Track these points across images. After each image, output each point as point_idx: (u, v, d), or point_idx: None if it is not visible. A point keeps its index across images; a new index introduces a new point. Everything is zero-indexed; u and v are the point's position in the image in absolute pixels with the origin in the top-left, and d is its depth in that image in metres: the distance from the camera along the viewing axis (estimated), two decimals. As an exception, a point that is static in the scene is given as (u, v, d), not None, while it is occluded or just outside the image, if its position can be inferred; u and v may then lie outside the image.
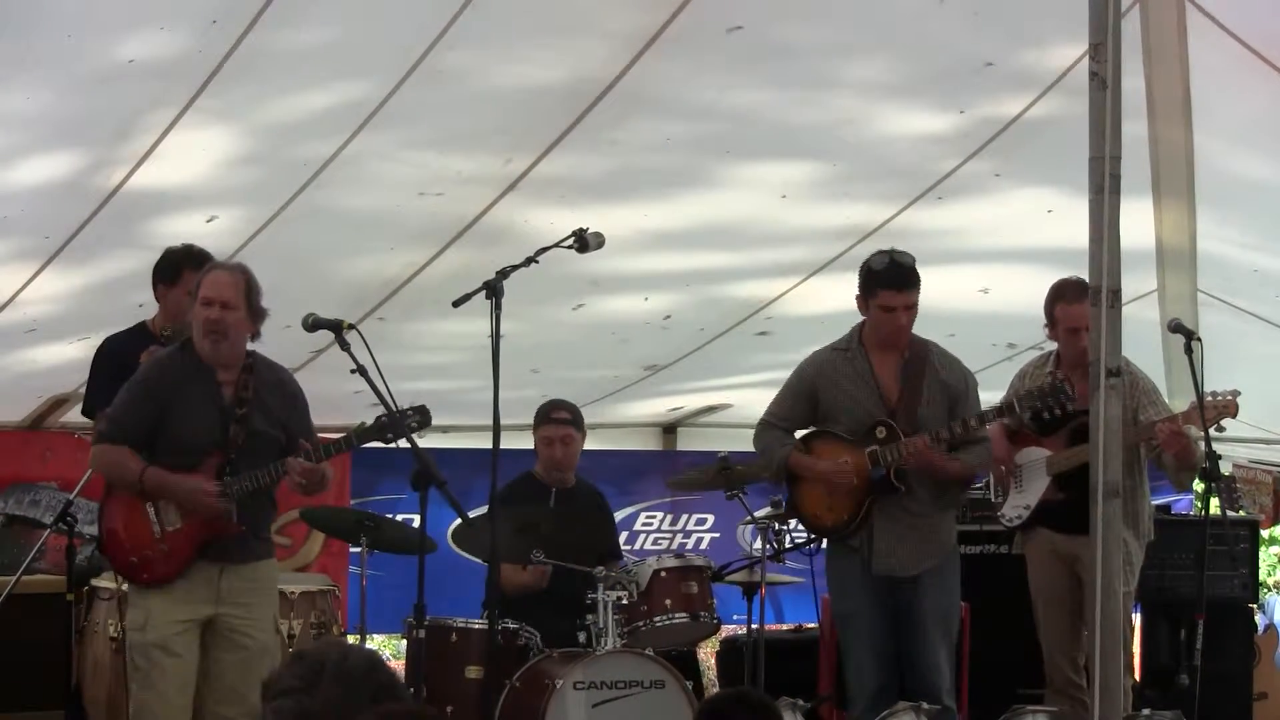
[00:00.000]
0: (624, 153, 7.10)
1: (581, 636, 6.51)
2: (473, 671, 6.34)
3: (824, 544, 6.79)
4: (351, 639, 7.23)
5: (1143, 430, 6.53)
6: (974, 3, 6.47)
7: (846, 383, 6.41)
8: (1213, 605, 6.77)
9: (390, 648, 11.23)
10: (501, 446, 5.49)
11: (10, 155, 6.35)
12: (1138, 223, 7.25)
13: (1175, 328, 6.52)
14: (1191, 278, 8.16)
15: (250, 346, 5.76)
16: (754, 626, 7.01)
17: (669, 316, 8.48)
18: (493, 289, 5.51)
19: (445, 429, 8.69)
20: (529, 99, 6.62)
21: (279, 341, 6.01)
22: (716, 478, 7.20)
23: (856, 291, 6.40)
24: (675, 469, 8.88)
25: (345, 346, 5.50)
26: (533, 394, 7.65)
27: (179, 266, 6.26)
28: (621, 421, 9.74)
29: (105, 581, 6.54)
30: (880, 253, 6.40)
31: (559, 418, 7.28)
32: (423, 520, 5.61)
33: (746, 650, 7.10)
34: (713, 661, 9.47)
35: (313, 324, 5.66)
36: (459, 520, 5.85)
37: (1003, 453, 6.80)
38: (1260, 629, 8.51)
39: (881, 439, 6.30)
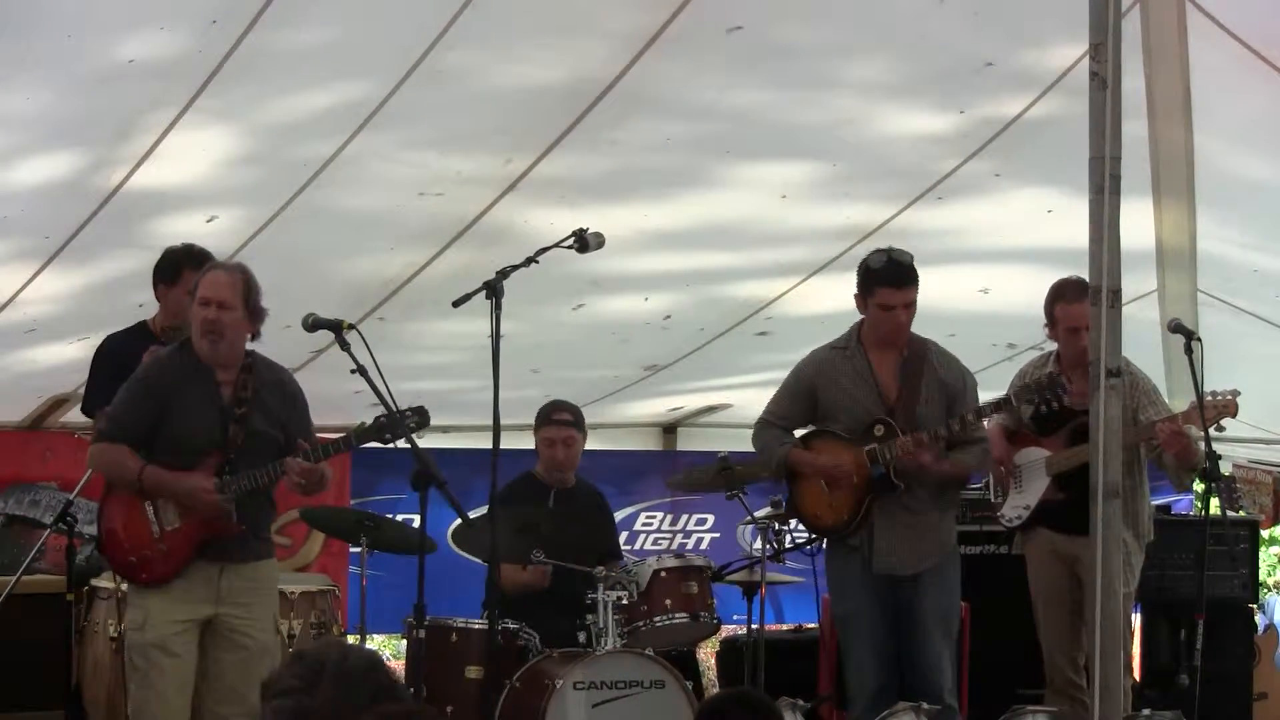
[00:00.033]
0: (624, 153, 7.10)
1: (581, 636, 6.51)
2: (473, 671, 6.34)
3: (824, 544, 6.79)
4: (351, 639, 7.23)
5: (1143, 430, 6.53)
6: (974, 3, 6.47)
7: (846, 381, 6.41)
8: (1213, 605, 6.76)
9: (390, 648, 11.23)
10: (502, 446, 5.48)
11: (10, 155, 6.35)
12: (1138, 223, 7.25)
13: (1175, 328, 6.52)
14: (1191, 278, 8.16)
15: (250, 346, 5.76)
16: (754, 626, 7.01)
17: (669, 316, 8.48)
18: (493, 289, 5.51)
19: (445, 429, 8.70)
20: (529, 99, 6.62)
21: (279, 341, 6.01)
22: (716, 478, 7.21)
23: (855, 290, 6.40)
24: (675, 469, 8.88)
25: (345, 346, 5.50)
26: (533, 394, 7.65)
27: (179, 266, 6.26)
28: (621, 421, 9.74)
29: (105, 581, 6.53)
30: (878, 251, 6.40)
31: (561, 419, 7.27)
32: (423, 520, 5.61)
33: (746, 650, 7.10)
34: (713, 661, 9.48)
35: (313, 324, 5.66)
36: (459, 520, 5.85)
37: (1002, 453, 6.80)
38: (1260, 629, 8.51)
39: (879, 437, 6.30)
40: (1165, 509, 8.59)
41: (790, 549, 7.44)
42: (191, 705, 5.66)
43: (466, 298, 5.58)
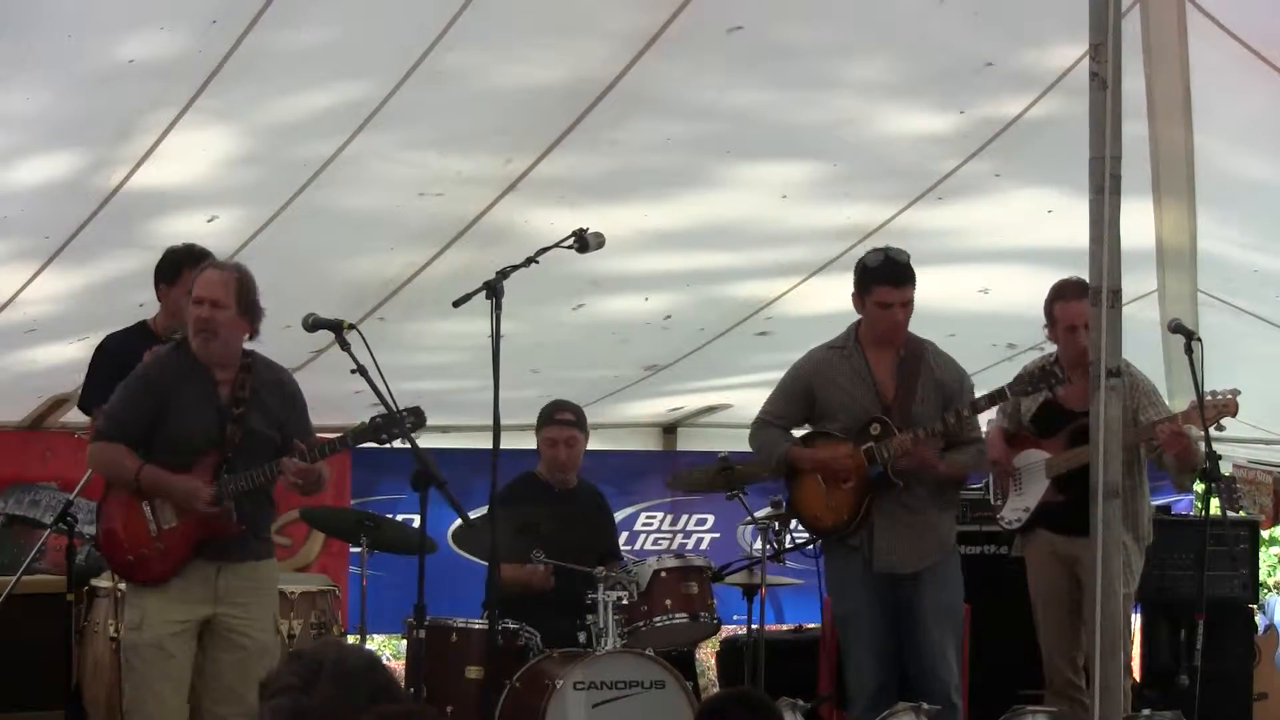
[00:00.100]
0: (624, 153, 7.10)
1: (581, 636, 6.51)
2: (473, 671, 6.34)
3: (820, 544, 6.77)
4: (351, 639, 7.23)
5: (1143, 431, 6.52)
6: (974, 3, 6.46)
7: (844, 381, 6.41)
8: (1213, 605, 6.75)
9: (390, 648, 11.23)
10: (502, 447, 5.48)
11: (10, 155, 6.35)
12: (1138, 223, 7.25)
13: (1175, 328, 6.52)
14: (1191, 278, 8.16)
15: (250, 346, 5.76)
16: (754, 626, 7.01)
17: (669, 316, 8.48)
18: (493, 289, 5.51)
19: (445, 429, 8.70)
20: (529, 99, 6.62)
21: (279, 341, 6.01)
22: (716, 478, 7.21)
23: (852, 290, 6.40)
24: (675, 469, 8.88)
25: (345, 346, 5.50)
26: (533, 394, 7.65)
27: (179, 265, 6.25)
28: (621, 421, 9.74)
29: (105, 581, 6.53)
30: (875, 250, 6.42)
31: (563, 419, 7.27)
32: (423, 520, 5.61)
33: (746, 650, 7.10)
34: (713, 661, 9.48)
35: (313, 324, 5.66)
36: (459, 520, 5.84)
37: (1001, 455, 6.80)
38: (1260, 629, 8.51)
39: (876, 435, 6.30)
40: (1165, 509, 8.59)
41: (790, 549, 7.43)
42: (190, 705, 5.66)
43: (466, 298, 5.58)
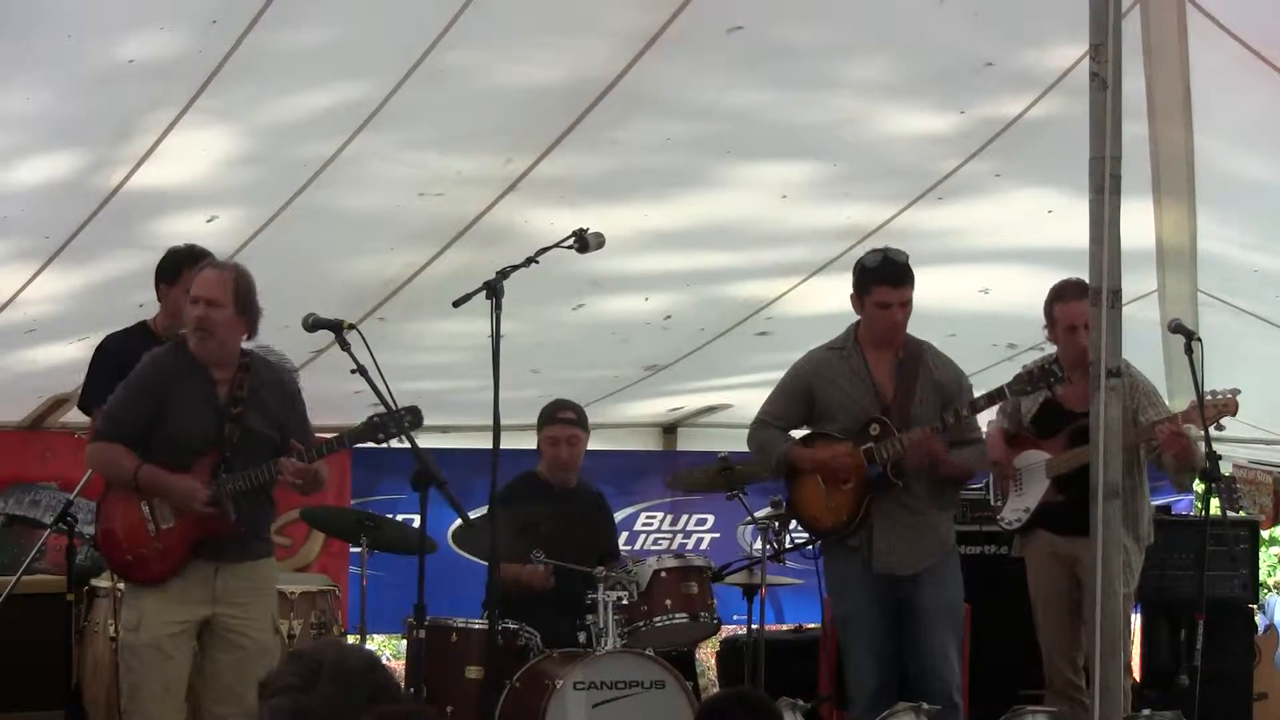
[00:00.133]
0: (624, 153, 7.10)
1: (581, 637, 6.51)
2: (473, 671, 6.34)
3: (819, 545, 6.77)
4: (351, 639, 7.23)
5: (1143, 431, 6.52)
6: (974, 3, 6.47)
7: (843, 381, 6.41)
8: (1213, 605, 6.75)
9: (390, 648, 11.23)
10: (502, 446, 5.48)
11: (10, 155, 6.35)
12: (1138, 223, 7.25)
13: (1175, 328, 6.52)
14: (1191, 278, 8.16)
15: (249, 346, 5.76)
16: (754, 627, 7.01)
17: (669, 316, 8.48)
18: (493, 289, 5.51)
19: (445, 429, 8.70)
20: (529, 99, 6.62)
21: (279, 341, 6.02)
22: (717, 478, 7.21)
23: (850, 291, 6.40)
24: (675, 469, 8.88)
25: (345, 346, 5.50)
26: (533, 394, 7.65)
27: (179, 266, 6.25)
28: (621, 421, 9.74)
29: (105, 581, 6.53)
30: (874, 250, 6.42)
31: (565, 418, 7.27)
32: (423, 520, 5.61)
33: (746, 650, 7.10)
34: (713, 661, 9.48)
35: (313, 324, 5.65)
36: (459, 520, 5.84)
37: (1001, 456, 6.79)
38: (1260, 629, 8.51)
39: (875, 435, 6.30)
40: (1165, 509, 8.59)
41: (790, 549, 7.43)
42: (189, 705, 5.66)
43: (467, 298, 5.58)
